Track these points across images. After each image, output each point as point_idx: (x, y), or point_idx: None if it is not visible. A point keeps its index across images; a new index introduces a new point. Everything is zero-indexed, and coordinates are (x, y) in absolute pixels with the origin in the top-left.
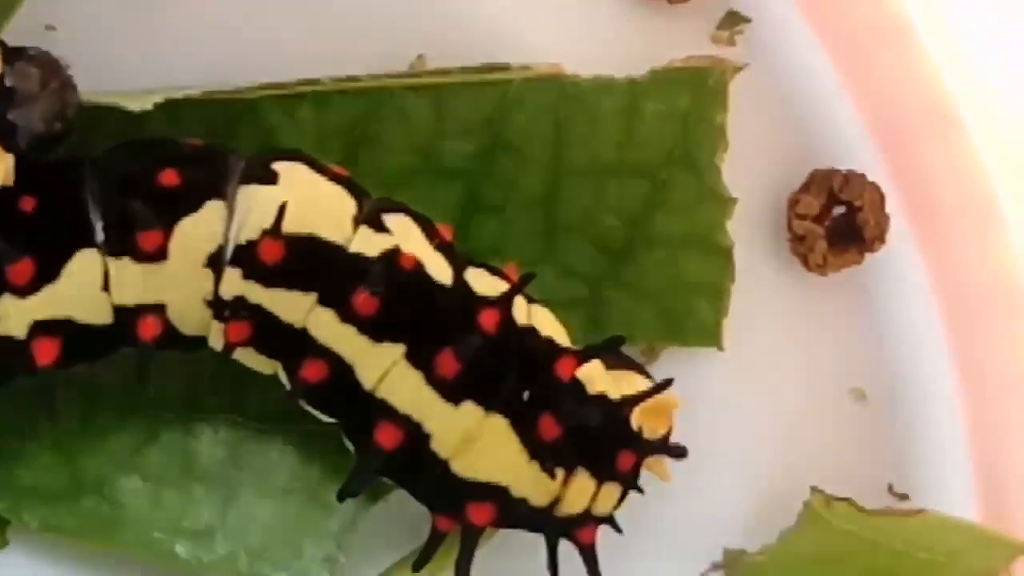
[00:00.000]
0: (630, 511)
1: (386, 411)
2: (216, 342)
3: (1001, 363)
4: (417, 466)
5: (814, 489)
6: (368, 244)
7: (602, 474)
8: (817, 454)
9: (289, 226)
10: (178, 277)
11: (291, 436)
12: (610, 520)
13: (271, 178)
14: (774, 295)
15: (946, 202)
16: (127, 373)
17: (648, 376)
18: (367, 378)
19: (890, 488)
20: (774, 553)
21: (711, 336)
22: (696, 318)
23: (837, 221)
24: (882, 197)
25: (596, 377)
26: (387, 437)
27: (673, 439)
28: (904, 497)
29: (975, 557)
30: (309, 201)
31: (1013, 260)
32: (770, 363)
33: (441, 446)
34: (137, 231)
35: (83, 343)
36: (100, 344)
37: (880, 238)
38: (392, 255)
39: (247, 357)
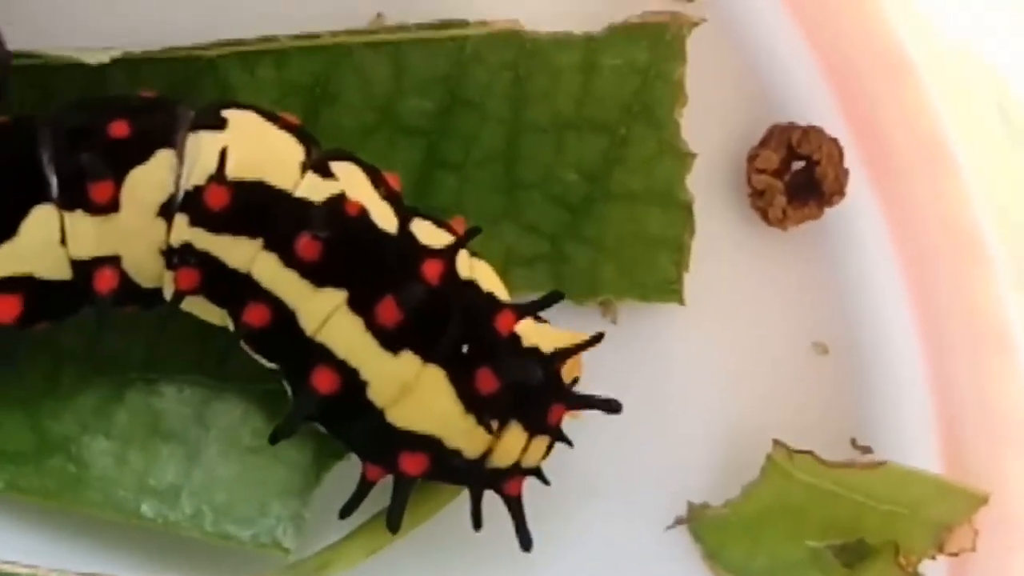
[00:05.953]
0: (594, 467)
1: (324, 356)
2: (168, 291)
3: (961, 314)
4: (352, 414)
5: (776, 442)
6: (314, 190)
7: (534, 427)
8: (779, 408)
9: (236, 171)
10: (131, 228)
11: (256, 395)
12: (537, 472)
13: (220, 125)
14: (734, 250)
15: (904, 155)
16: (90, 336)
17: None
18: (308, 323)
19: (853, 442)
20: (737, 507)
21: (672, 291)
22: (657, 273)
23: (796, 175)
24: (840, 151)
25: (529, 331)
26: (323, 381)
27: (637, 395)
28: (867, 450)
29: (937, 509)
30: (257, 147)
31: (971, 212)
32: (731, 318)
33: (377, 395)
34: (88, 183)
35: (44, 300)
36: (61, 301)
37: (839, 192)
38: (337, 201)
39: (196, 306)
